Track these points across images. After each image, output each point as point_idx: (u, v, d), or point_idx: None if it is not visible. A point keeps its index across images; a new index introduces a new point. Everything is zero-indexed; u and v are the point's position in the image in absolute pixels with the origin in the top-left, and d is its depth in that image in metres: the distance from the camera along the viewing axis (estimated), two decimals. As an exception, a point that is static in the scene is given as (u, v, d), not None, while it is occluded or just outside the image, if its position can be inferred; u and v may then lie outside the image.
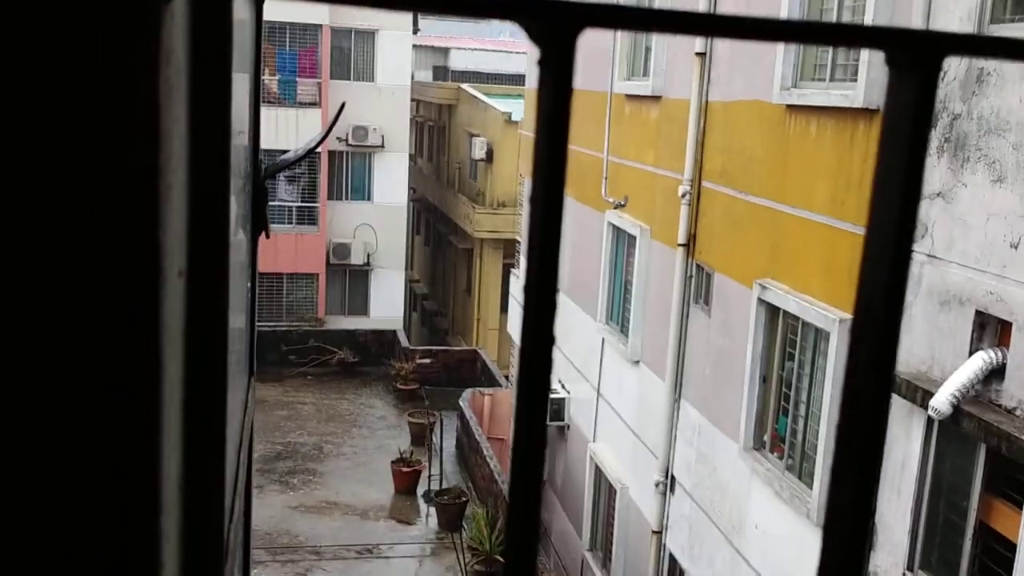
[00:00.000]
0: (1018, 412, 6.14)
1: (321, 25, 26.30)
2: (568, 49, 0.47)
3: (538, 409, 0.50)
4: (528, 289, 0.49)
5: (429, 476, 18.66)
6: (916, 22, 7.08)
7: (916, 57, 0.50)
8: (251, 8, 1.39)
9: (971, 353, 6.48)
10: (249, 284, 1.60)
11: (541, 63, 0.49)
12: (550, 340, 0.51)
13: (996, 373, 6.32)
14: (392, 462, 19.04)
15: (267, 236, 1.63)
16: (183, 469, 0.67)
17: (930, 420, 6.81)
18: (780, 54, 9.00)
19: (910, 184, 0.50)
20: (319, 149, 26.41)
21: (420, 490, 18.84)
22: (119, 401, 0.45)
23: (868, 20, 7.68)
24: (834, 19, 8.44)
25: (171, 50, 0.49)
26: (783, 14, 8.95)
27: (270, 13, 27.78)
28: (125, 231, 0.43)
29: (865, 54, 7.71)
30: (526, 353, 0.50)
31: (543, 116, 0.50)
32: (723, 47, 10.43)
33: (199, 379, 0.64)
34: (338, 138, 27.02)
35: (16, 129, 0.44)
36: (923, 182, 0.51)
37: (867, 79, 7.67)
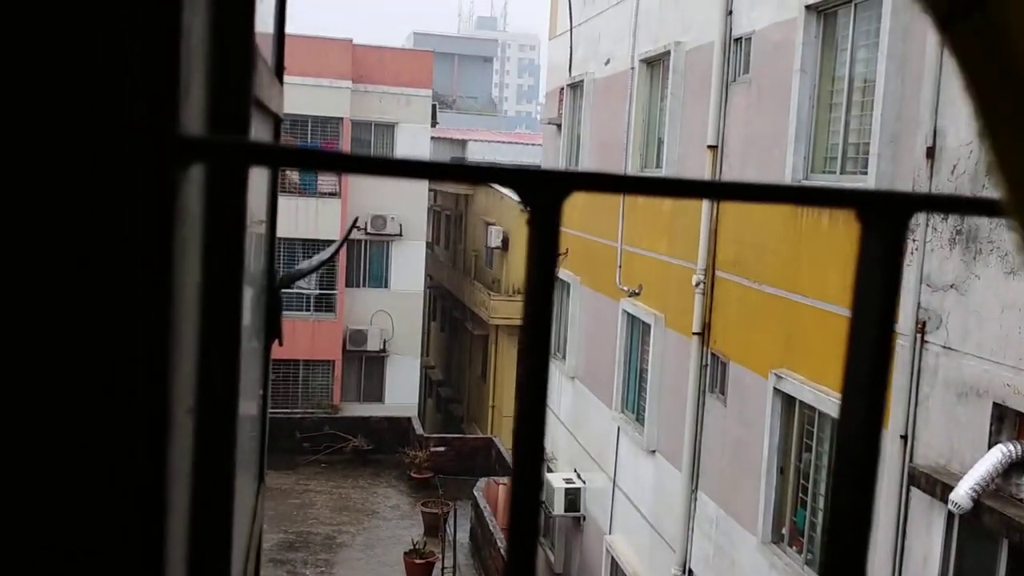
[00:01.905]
0: (1040, 507, 6.03)
1: (342, 118, 26.87)
2: (555, 210, 0.51)
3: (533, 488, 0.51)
4: (516, 439, 0.51)
5: (443, 568, 18.34)
6: (924, 118, 7.19)
7: (884, 216, 0.53)
8: (270, 128, 1.45)
9: (990, 446, 6.41)
10: (261, 391, 1.63)
11: (530, 223, 0.52)
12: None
13: (1016, 466, 6.24)
14: (405, 553, 18.74)
15: (280, 344, 1.66)
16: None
17: (950, 515, 6.69)
18: (791, 145, 9.14)
19: (881, 338, 0.53)
20: (337, 238, 26.68)
21: (433, 582, 18.50)
22: (123, 538, 0.47)
23: (876, 116, 7.80)
24: (843, 120, 8.58)
25: (187, 211, 0.53)
26: (791, 123, 9.10)
27: (292, 106, 28.21)
28: (135, 381, 0.46)
29: (875, 147, 7.82)
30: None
31: (531, 268, 0.53)
32: (735, 139, 10.59)
33: (206, 509, 0.66)
34: (357, 227, 27.34)
35: (38, 284, 0.47)
36: (894, 335, 0.54)
37: (878, 170, 7.76)
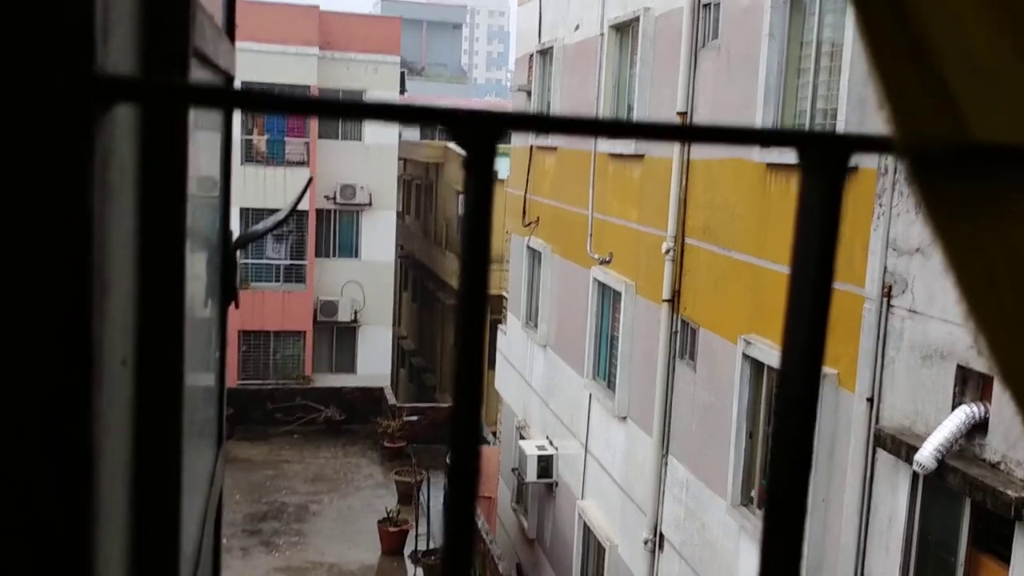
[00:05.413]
0: (1002, 466, 6.14)
1: (309, 86, 26.59)
2: (489, 151, 0.50)
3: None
4: (456, 381, 0.51)
5: (416, 536, 18.45)
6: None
7: (825, 157, 0.53)
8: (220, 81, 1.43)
9: (954, 407, 6.50)
10: (218, 354, 1.62)
11: (466, 165, 0.51)
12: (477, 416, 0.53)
13: (979, 427, 6.34)
14: (379, 522, 18.83)
15: (236, 306, 1.64)
16: (133, 548, 0.68)
17: (915, 475, 6.80)
18: (760, 110, 9.15)
19: (822, 279, 0.53)
20: (307, 208, 26.52)
21: (407, 550, 18.62)
22: (48, 492, 0.46)
23: (844, 81, 7.82)
24: (811, 85, 8.60)
25: (112, 152, 0.51)
26: (760, 88, 9.11)
27: (258, 75, 27.73)
28: (54, 326, 0.45)
29: (843, 112, 7.85)
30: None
31: (468, 209, 0.52)
32: (704, 104, 10.59)
33: (150, 463, 0.65)
34: (326, 196, 27.16)
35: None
36: (834, 275, 0.53)
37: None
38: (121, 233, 0.55)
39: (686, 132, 0.51)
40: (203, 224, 1.38)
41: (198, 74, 0.96)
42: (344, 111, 0.51)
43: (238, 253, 1.75)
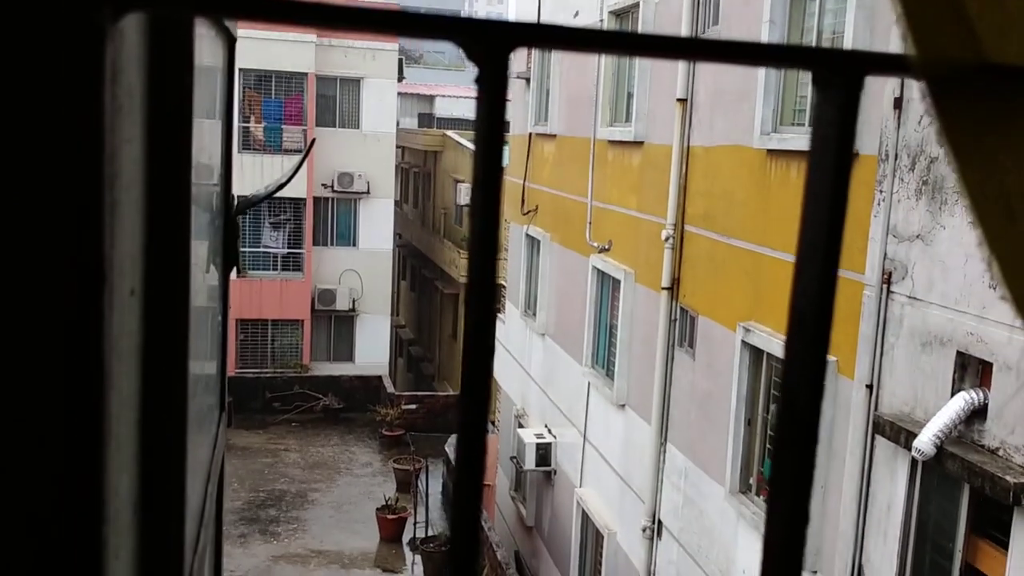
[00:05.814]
0: (1000, 452, 6.15)
1: (307, 73, 26.54)
2: (502, 65, 0.49)
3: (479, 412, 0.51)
4: (469, 295, 0.50)
5: (415, 523, 18.48)
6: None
7: (839, 75, 0.52)
8: (223, 48, 1.42)
9: (953, 394, 6.51)
10: (220, 318, 1.61)
11: (478, 80, 0.51)
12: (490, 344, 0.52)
13: (978, 413, 6.34)
14: (377, 509, 18.86)
15: (239, 273, 1.63)
16: (139, 480, 0.68)
17: (914, 461, 6.81)
18: (760, 99, 9.13)
19: (836, 198, 0.52)
20: (304, 196, 26.47)
21: (406, 537, 18.65)
22: (60, 408, 0.46)
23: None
24: (809, 90, 8.57)
25: (120, 69, 0.51)
26: (760, 75, 9.09)
27: (256, 62, 27.64)
28: (66, 242, 0.44)
29: (842, 99, 7.82)
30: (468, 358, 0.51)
31: (479, 126, 0.52)
32: (704, 93, 10.57)
33: (157, 394, 0.65)
34: (323, 184, 27.13)
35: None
36: (848, 195, 0.53)
37: (845, 123, 7.77)
38: (130, 155, 0.54)
39: (695, 46, 0.50)
40: (206, 191, 1.37)
41: (208, 35, 0.95)
42: (351, 20, 0.50)
43: (239, 219, 1.76)
